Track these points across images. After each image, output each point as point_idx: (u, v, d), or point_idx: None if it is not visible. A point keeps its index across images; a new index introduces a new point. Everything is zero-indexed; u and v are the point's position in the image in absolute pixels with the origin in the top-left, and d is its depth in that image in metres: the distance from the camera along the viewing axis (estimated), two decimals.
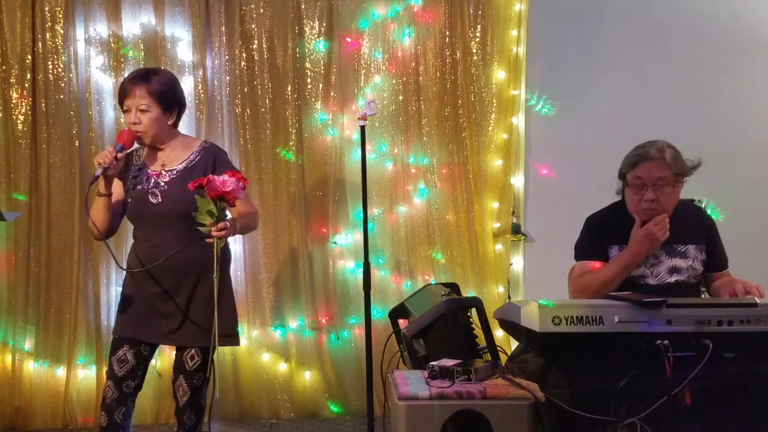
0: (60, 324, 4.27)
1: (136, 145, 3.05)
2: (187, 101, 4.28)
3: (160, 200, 2.97)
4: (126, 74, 4.21)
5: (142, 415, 4.20)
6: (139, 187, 3.01)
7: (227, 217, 2.79)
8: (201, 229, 2.75)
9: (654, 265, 3.05)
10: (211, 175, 2.73)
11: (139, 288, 3.02)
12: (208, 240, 2.75)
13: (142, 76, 3.02)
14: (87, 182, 4.22)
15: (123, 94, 3.01)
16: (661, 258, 3.05)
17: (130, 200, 3.03)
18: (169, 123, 3.05)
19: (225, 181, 2.68)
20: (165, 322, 3.00)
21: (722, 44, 4.54)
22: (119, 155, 2.89)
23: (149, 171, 3.03)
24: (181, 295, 2.99)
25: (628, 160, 3.06)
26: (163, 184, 3.00)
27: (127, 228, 3.43)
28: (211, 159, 3.06)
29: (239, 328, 4.20)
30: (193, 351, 3.02)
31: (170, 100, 3.04)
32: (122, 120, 4.23)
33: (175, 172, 3.02)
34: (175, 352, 3.11)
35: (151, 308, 3.01)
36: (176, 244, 2.91)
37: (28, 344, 4.28)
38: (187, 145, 3.11)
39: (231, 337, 3.10)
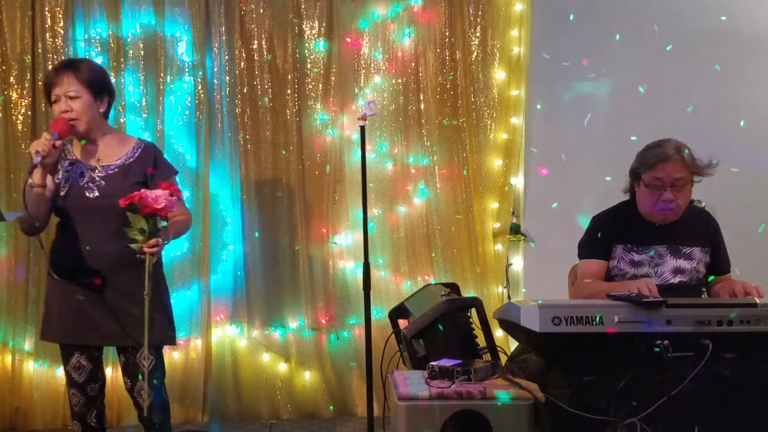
0: None
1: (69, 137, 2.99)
2: (187, 101, 4.34)
3: (97, 194, 2.91)
4: (125, 74, 4.28)
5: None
6: (73, 181, 2.93)
7: (159, 232, 2.74)
8: (133, 246, 2.72)
9: (658, 265, 3.05)
10: (143, 190, 2.69)
11: (71, 289, 2.91)
12: (139, 256, 2.72)
13: (67, 65, 2.97)
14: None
15: (50, 84, 2.93)
16: (665, 258, 3.05)
17: (62, 194, 2.93)
18: (100, 111, 2.99)
19: (157, 197, 2.66)
20: (108, 323, 2.91)
21: (723, 44, 4.55)
22: (57, 143, 2.81)
23: (83, 165, 2.96)
24: (118, 294, 2.91)
25: (645, 160, 3.02)
26: (99, 179, 2.93)
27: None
28: (151, 158, 3.02)
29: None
30: (146, 351, 2.94)
31: (100, 86, 2.98)
32: (122, 120, 4.25)
33: (112, 167, 2.96)
34: (120, 358, 3.01)
35: (88, 309, 2.90)
36: (110, 240, 2.86)
37: (28, 344, 4.28)
38: (122, 141, 3.07)
39: (173, 337, 3.09)
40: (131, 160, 3.00)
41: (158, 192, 2.68)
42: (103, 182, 2.93)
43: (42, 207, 2.90)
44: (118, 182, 2.92)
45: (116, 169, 2.96)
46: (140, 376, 2.91)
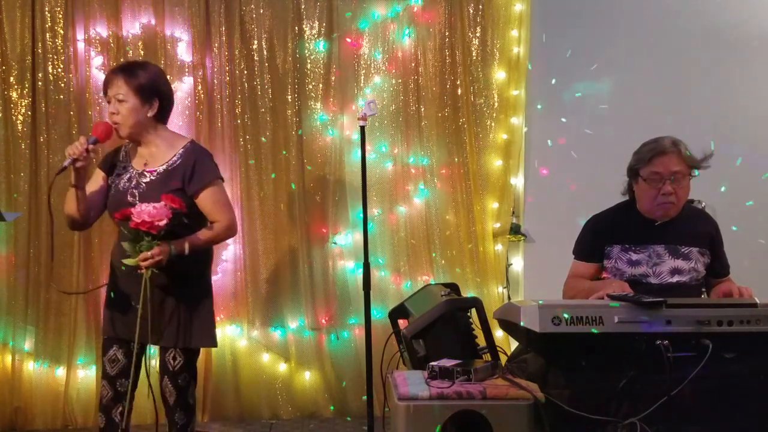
0: (60, 324, 4.27)
1: (126, 141, 3.04)
2: (186, 101, 4.34)
3: (137, 200, 2.92)
4: None
5: (141, 415, 4.16)
6: (121, 184, 2.98)
7: (153, 246, 2.78)
8: (125, 261, 2.82)
9: (657, 264, 3.05)
10: (138, 206, 2.77)
11: (124, 286, 3.01)
12: (139, 271, 2.81)
13: (122, 68, 3.02)
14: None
15: (105, 84, 3.00)
16: (664, 258, 3.05)
17: (110, 195, 3.01)
18: (148, 115, 2.97)
19: (141, 212, 2.72)
20: (146, 322, 2.93)
21: (723, 43, 4.54)
22: (91, 147, 2.85)
23: (131, 169, 3.01)
24: (157, 296, 2.95)
25: (641, 155, 3.04)
26: (143, 184, 2.96)
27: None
28: (191, 161, 2.98)
29: (241, 328, 4.20)
30: (174, 351, 3.00)
31: (149, 91, 2.96)
32: None
33: (155, 173, 2.97)
34: (159, 354, 3.09)
35: (133, 307, 2.96)
36: None
37: (28, 344, 4.28)
38: (171, 144, 3.04)
39: (212, 339, 3.13)
40: (173, 165, 2.99)
41: (147, 207, 2.73)
42: (144, 188, 2.96)
43: (80, 206, 2.94)
44: (156, 188, 2.92)
45: (158, 175, 2.97)
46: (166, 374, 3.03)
